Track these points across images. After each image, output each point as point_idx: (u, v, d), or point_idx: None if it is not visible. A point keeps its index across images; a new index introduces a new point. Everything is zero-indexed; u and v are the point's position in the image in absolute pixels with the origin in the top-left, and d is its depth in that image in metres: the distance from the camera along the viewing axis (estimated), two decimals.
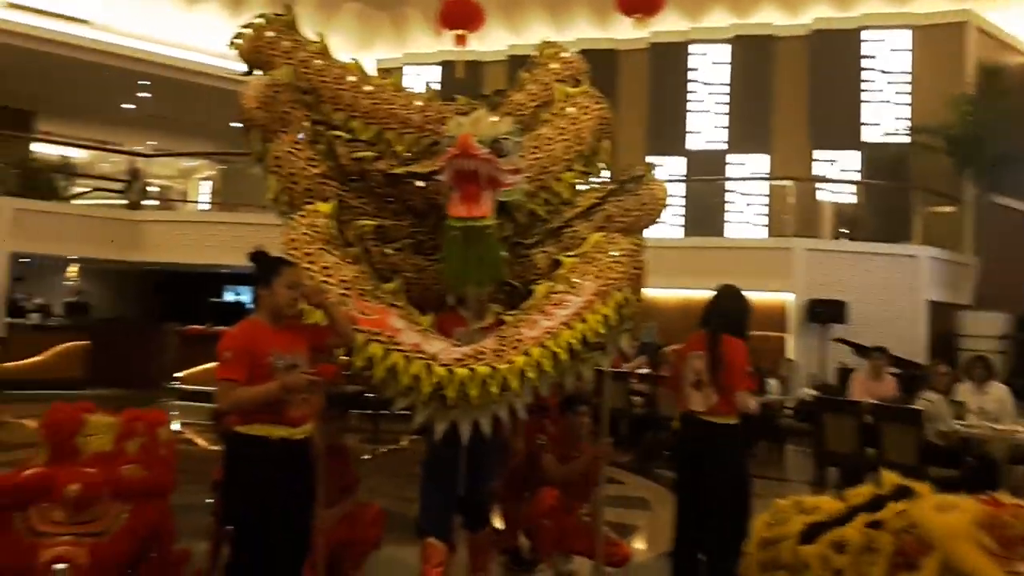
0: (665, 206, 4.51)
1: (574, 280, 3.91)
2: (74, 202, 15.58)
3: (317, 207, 3.86)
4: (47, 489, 3.04)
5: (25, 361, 12.26)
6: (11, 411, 9.97)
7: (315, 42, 4.33)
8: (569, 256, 4.07)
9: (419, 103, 4.38)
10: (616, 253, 4.00)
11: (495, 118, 3.96)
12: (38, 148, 17.96)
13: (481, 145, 3.70)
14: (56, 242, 13.23)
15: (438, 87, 15.85)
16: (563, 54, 4.65)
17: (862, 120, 14.25)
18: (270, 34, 4.23)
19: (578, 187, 4.44)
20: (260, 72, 4.28)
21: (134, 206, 14.62)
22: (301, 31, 4.34)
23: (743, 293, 4.69)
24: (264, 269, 3.45)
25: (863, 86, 14.27)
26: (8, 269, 12.72)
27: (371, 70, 4.49)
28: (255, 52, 4.28)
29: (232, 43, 4.36)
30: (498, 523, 4.92)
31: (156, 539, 3.24)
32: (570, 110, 4.39)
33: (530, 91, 4.54)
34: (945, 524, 2.85)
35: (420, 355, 3.53)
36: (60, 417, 3.67)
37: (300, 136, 4.03)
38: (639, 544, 5.65)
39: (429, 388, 3.47)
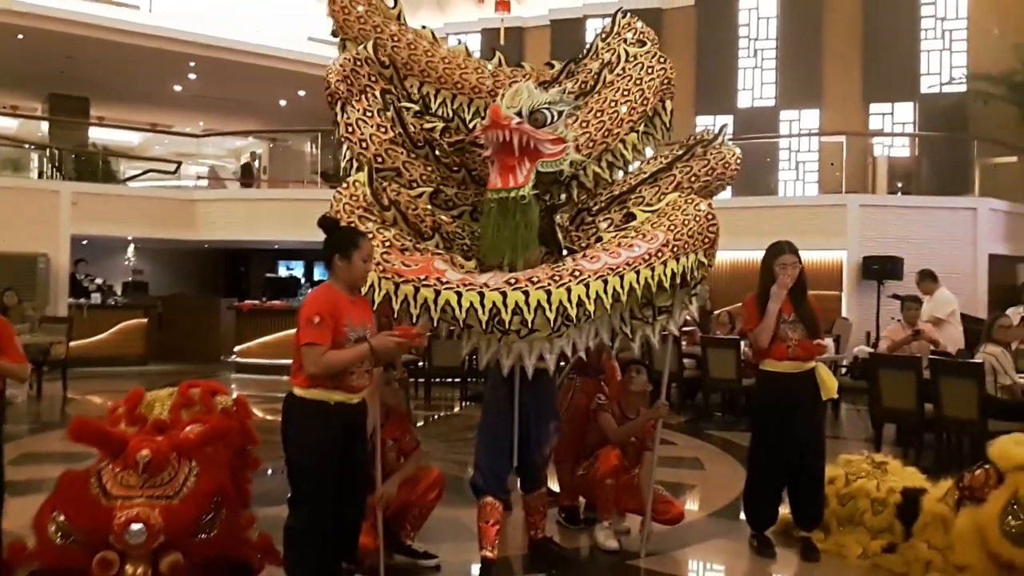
0: (737, 170, 4.42)
1: (644, 230, 3.86)
2: (129, 184, 15.95)
3: (357, 177, 3.90)
4: (126, 447, 3.18)
5: (88, 340, 12.62)
6: (77, 388, 10.29)
7: (390, 8, 4.41)
8: (644, 211, 4.03)
9: (489, 69, 4.45)
10: (692, 212, 3.93)
11: (546, 88, 3.94)
12: (93, 133, 18.40)
13: (518, 116, 3.70)
14: (113, 223, 13.60)
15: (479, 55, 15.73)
16: (637, 24, 4.59)
17: (919, 70, 13.85)
18: (360, 8, 4.31)
19: (645, 152, 4.42)
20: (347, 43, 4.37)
21: (247, 186, 15.44)
22: None
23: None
24: (343, 241, 3.46)
25: (920, 34, 13.86)
26: (69, 251, 13.13)
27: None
28: (344, 24, 4.36)
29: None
30: (553, 485, 4.99)
31: (225, 502, 3.34)
32: (633, 71, 4.35)
33: (604, 59, 4.51)
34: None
35: (470, 286, 3.51)
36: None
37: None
38: (693, 504, 5.66)
39: (485, 316, 3.42)
